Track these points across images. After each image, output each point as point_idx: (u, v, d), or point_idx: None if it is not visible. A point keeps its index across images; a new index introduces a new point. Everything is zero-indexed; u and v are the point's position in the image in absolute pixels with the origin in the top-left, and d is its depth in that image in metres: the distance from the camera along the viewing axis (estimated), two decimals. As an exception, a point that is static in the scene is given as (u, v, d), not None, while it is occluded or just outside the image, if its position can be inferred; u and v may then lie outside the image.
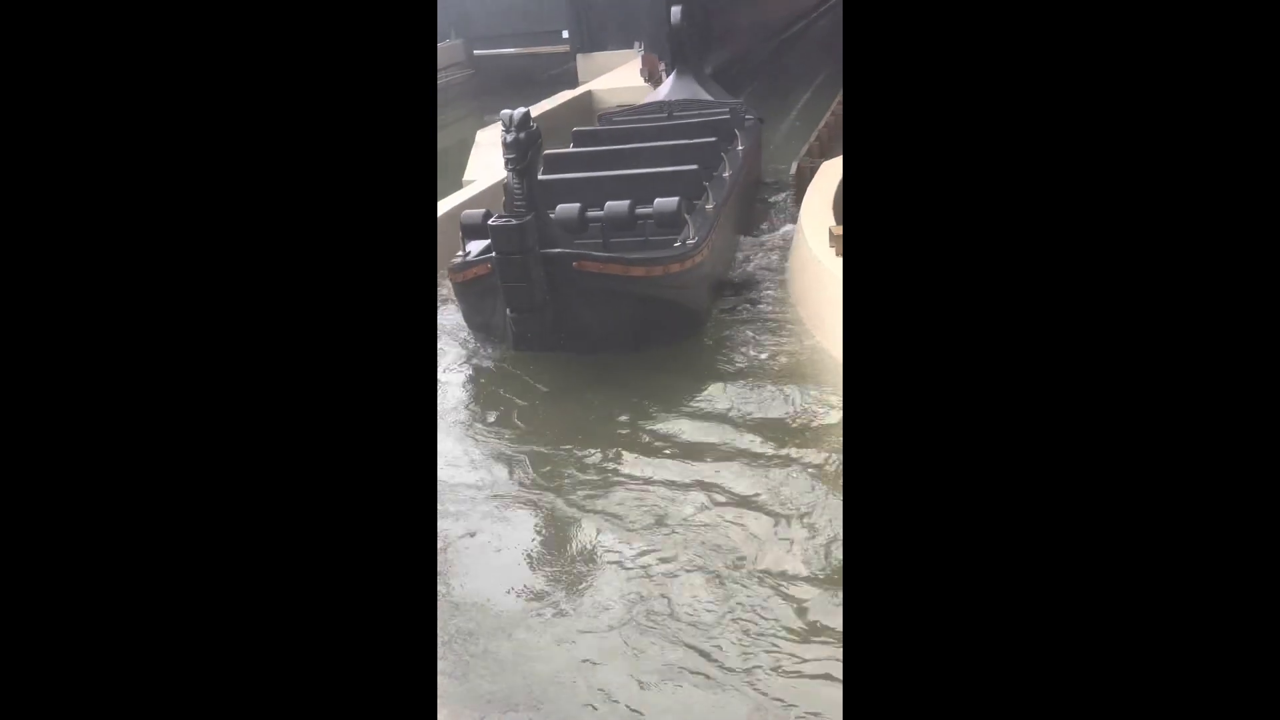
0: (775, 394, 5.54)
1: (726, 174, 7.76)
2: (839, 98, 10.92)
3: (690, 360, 6.11)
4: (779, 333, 6.36)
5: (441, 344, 6.67)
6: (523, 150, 5.44)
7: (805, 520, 4.32)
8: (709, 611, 3.82)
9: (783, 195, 9.42)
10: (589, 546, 4.36)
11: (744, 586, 3.94)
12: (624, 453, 5.13)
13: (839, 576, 3.87)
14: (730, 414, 5.39)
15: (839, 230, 6.06)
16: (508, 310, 5.62)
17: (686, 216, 6.55)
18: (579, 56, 19.14)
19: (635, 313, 5.97)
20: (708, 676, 3.50)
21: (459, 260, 6.18)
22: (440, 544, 4.42)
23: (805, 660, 3.52)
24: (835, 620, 3.65)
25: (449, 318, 6.88)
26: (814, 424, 5.16)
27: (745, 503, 4.52)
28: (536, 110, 13.03)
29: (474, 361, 6.45)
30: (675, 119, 9.45)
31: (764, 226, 8.62)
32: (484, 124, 12.38)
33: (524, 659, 3.69)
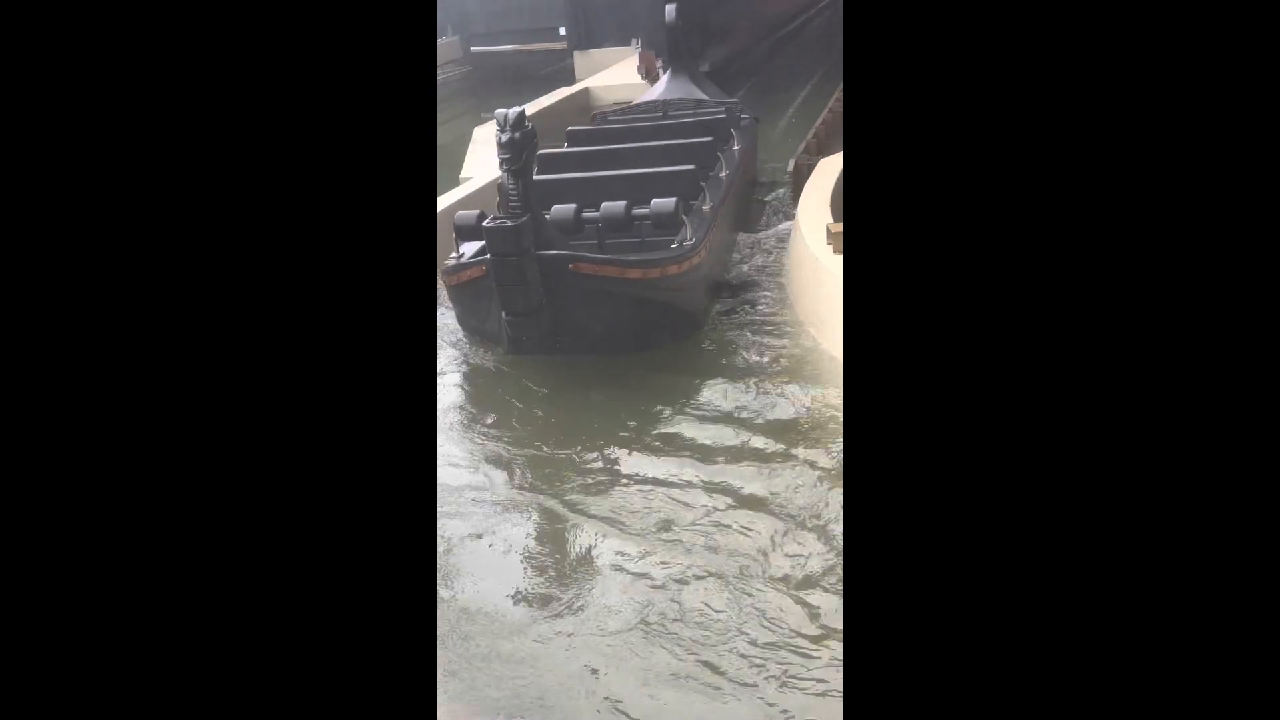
0: (777, 394, 5.50)
1: (723, 174, 7.72)
2: (836, 95, 10.92)
3: (690, 361, 6.07)
4: (778, 334, 6.32)
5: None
6: (518, 150, 5.37)
7: (814, 523, 4.27)
8: (717, 617, 3.77)
9: (780, 191, 9.40)
10: (594, 551, 4.31)
11: (752, 593, 3.89)
12: (626, 454, 5.08)
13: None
14: (733, 415, 5.35)
15: (836, 228, 6.05)
16: (503, 313, 5.56)
17: (684, 217, 6.51)
18: (576, 53, 19.13)
19: (632, 315, 5.92)
20: (715, 686, 3.44)
21: (452, 262, 6.11)
22: (444, 547, 4.38)
23: (816, 668, 3.46)
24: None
25: (442, 321, 6.83)
26: (818, 425, 5.11)
27: (752, 505, 4.47)
28: (533, 107, 13.03)
29: (472, 362, 6.40)
30: (670, 118, 9.41)
31: (761, 225, 8.60)
32: (481, 121, 12.36)
33: (530, 665, 3.64)
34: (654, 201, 6.44)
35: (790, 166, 8.83)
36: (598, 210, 6.46)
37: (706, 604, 3.85)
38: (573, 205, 6.50)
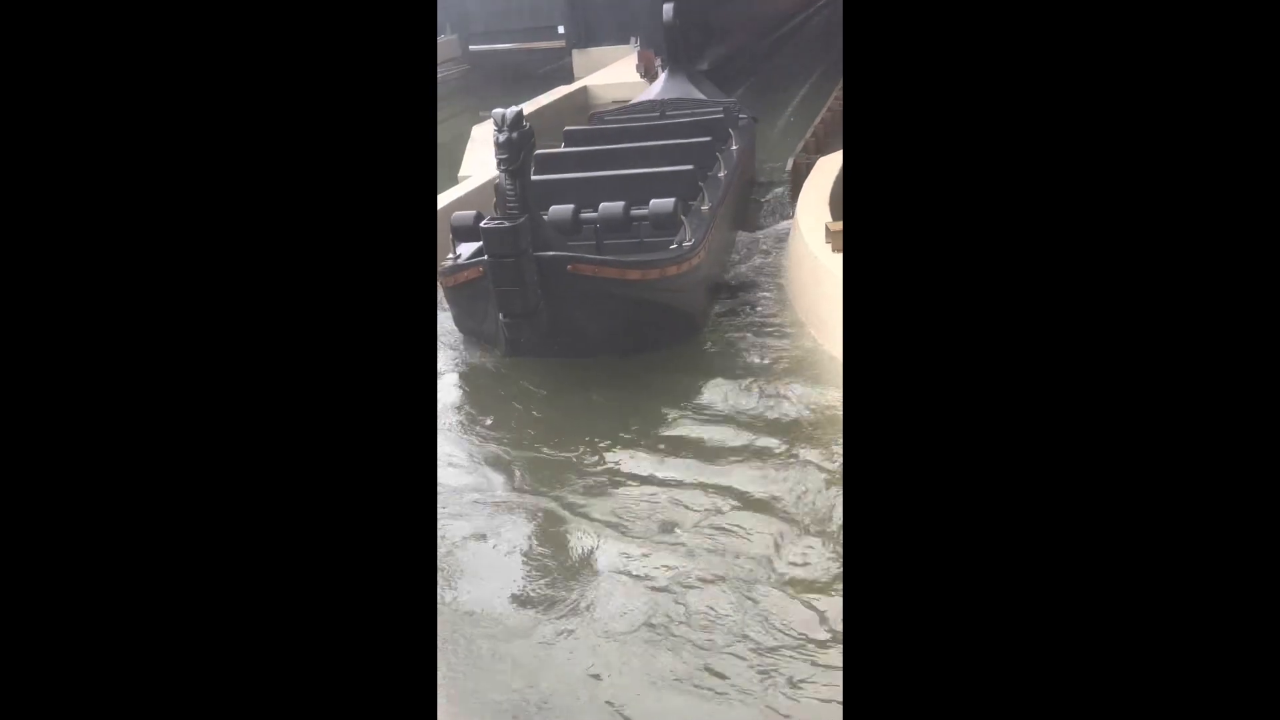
0: (779, 395, 5.48)
1: (721, 174, 7.69)
2: (835, 93, 10.91)
3: (691, 362, 6.05)
4: (778, 334, 6.29)
5: (434, 348, 6.63)
6: (515, 150, 5.32)
7: (819, 526, 4.23)
8: (722, 621, 3.74)
9: (779, 190, 9.38)
10: (597, 554, 4.28)
11: (757, 597, 3.85)
12: (628, 456, 5.05)
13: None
14: (734, 416, 5.33)
15: (835, 226, 6.04)
16: (500, 315, 5.51)
17: (683, 218, 6.47)
18: (575, 52, 19.13)
19: (631, 316, 5.88)
20: (720, 691, 3.41)
21: (449, 263, 6.07)
22: (446, 549, 4.36)
23: (822, 673, 3.42)
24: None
25: (439, 322, 6.76)
26: (820, 425, 5.08)
27: (756, 507, 4.44)
28: (532, 106, 13.02)
29: (470, 363, 6.37)
30: (668, 118, 9.37)
31: (760, 225, 8.58)
32: (479, 119, 12.34)
33: (533, 669, 3.62)
34: (653, 202, 6.40)
35: (789, 165, 8.82)
36: (596, 211, 6.42)
37: (711, 607, 3.81)
38: (571, 206, 6.46)
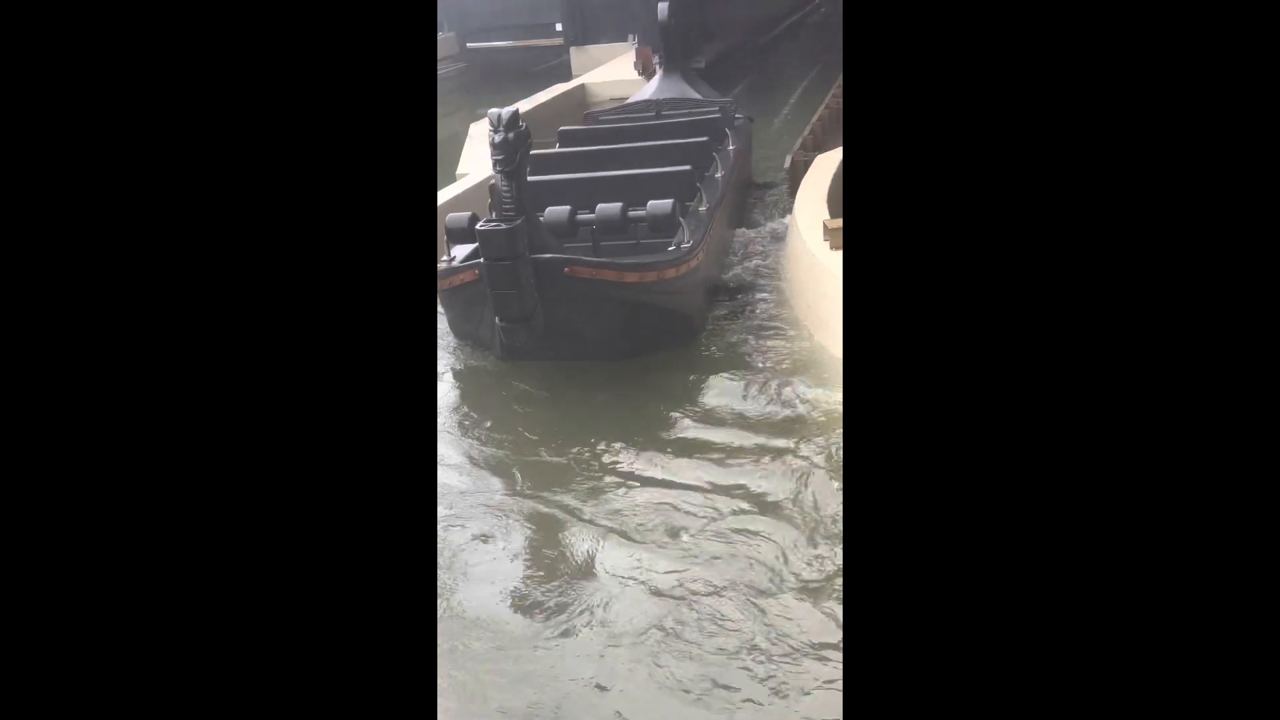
0: (782, 396, 5.44)
1: (719, 175, 7.63)
2: (833, 91, 10.91)
3: (692, 364, 6.00)
4: (779, 335, 6.25)
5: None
6: (511, 151, 5.23)
7: (828, 529, 4.18)
8: (730, 627, 3.69)
9: (777, 189, 9.38)
10: (602, 559, 4.23)
11: (765, 602, 3.81)
12: (632, 459, 5.00)
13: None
14: (737, 417, 5.29)
15: (833, 224, 6.04)
16: (496, 319, 5.43)
17: (681, 219, 6.42)
18: (572, 50, 19.13)
19: (630, 319, 5.82)
20: (728, 699, 3.37)
21: (444, 266, 5.97)
22: (448, 554, 4.32)
23: (832, 679, 3.37)
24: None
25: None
26: (825, 426, 5.04)
27: (763, 510, 4.40)
28: (530, 104, 13.01)
29: (469, 365, 6.31)
30: (664, 118, 9.31)
31: (757, 224, 8.56)
32: (476, 117, 12.33)
33: (538, 676, 3.58)
34: (651, 203, 6.34)
35: (787, 163, 8.82)
36: (592, 212, 6.35)
37: (719, 612, 3.77)
38: (567, 207, 6.39)
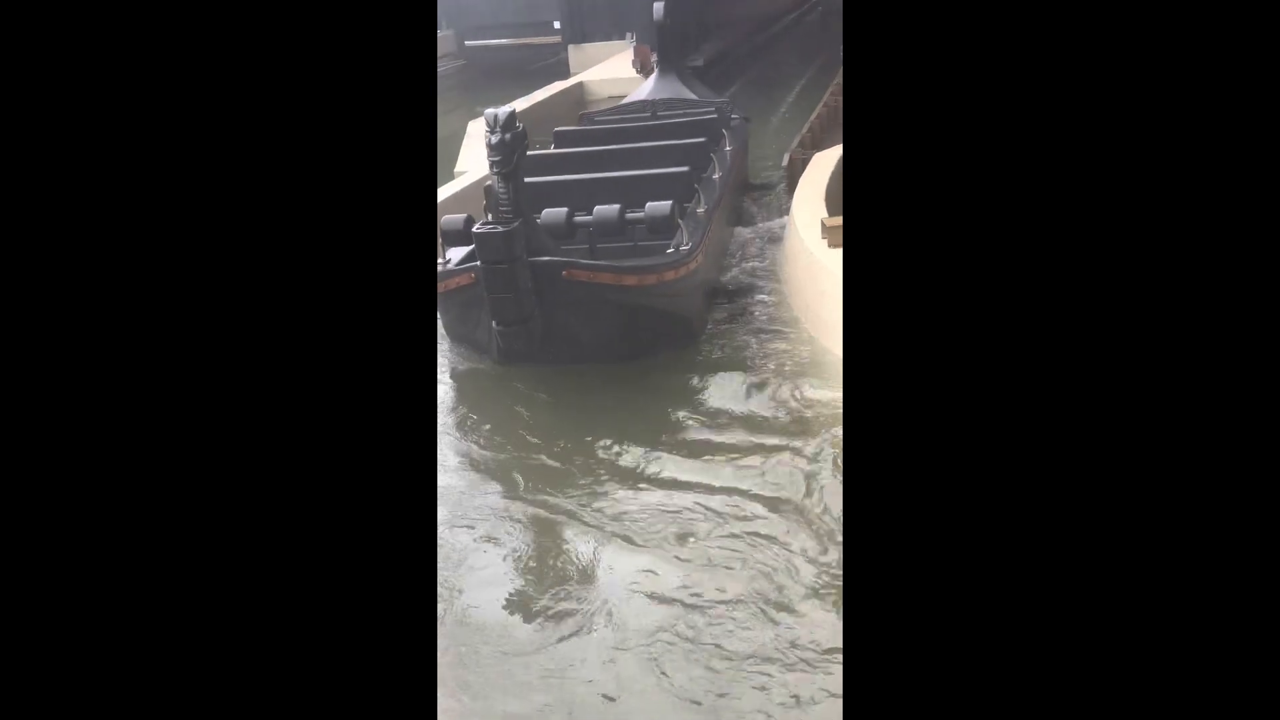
0: (786, 396, 5.40)
1: (716, 175, 7.57)
2: (831, 89, 10.90)
3: (693, 365, 5.95)
4: (779, 335, 6.21)
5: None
6: (508, 152, 5.15)
7: (839, 533, 4.13)
8: (740, 634, 3.64)
9: (774, 189, 9.36)
10: (608, 564, 4.18)
11: (775, 608, 3.76)
12: (636, 462, 4.95)
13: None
14: (742, 419, 5.25)
15: (831, 222, 6.03)
16: (494, 323, 5.36)
17: (679, 221, 6.37)
18: (570, 48, 19.11)
19: (629, 323, 5.76)
20: (740, 712, 3.32)
21: (439, 269, 5.90)
22: (450, 558, 4.29)
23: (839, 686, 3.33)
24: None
25: (430, 326, 6.63)
26: (829, 426, 5.00)
27: (772, 513, 4.36)
28: (527, 102, 12.98)
29: (467, 367, 6.24)
30: (660, 119, 9.25)
31: (755, 223, 8.54)
32: (475, 115, 12.30)
33: (543, 685, 3.54)
34: (649, 205, 6.28)
35: (785, 161, 8.82)
36: (590, 214, 6.29)
37: (728, 619, 3.73)
38: (564, 209, 6.33)
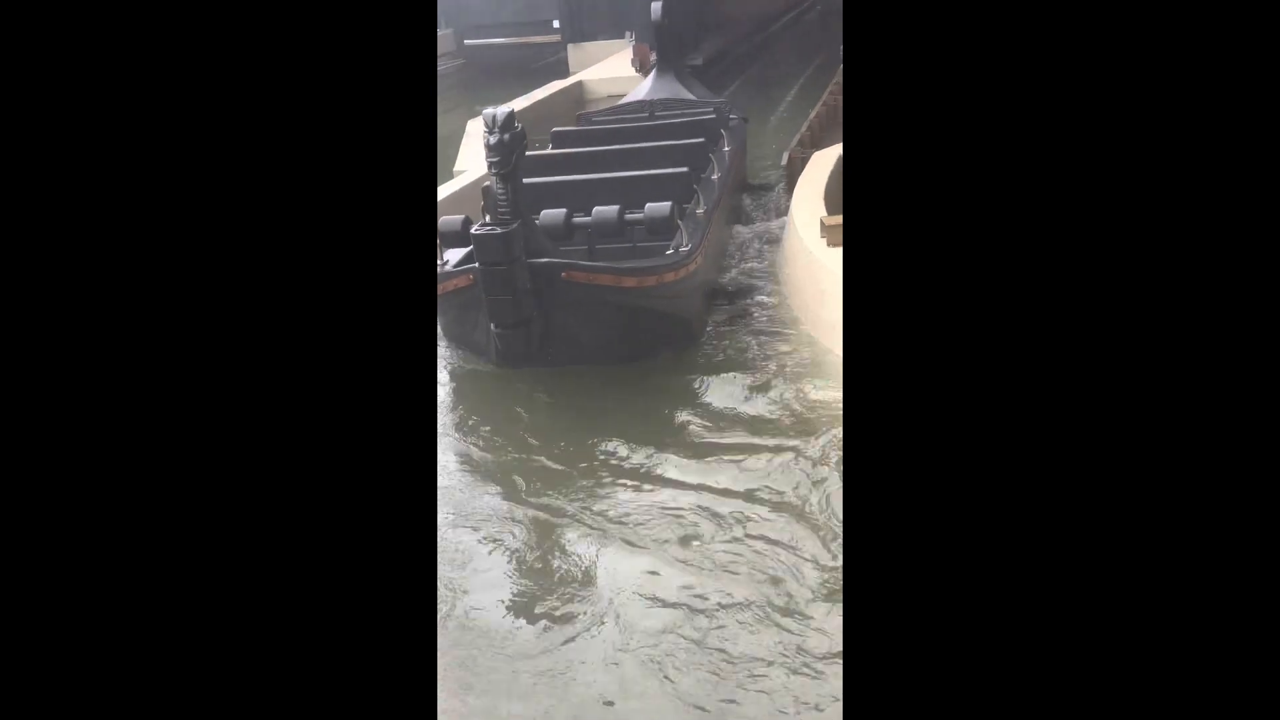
0: (789, 397, 5.38)
1: (715, 176, 7.55)
2: (830, 88, 10.90)
3: (694, 366, 5.94)
4: (780, 336, 6.19)
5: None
6: (506, 153, 5.11)
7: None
8: (744, 638, 3.63)
9: (773, 189, 9.35)
10: (610, 566, 4.16)
11: (780, 612, 3.74)
12: (638, 463, 4.92)
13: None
14: (744, 420, 5.23)
15: (830, 221, 6.03)
16: (492, 325, 5.33)
17: (679, 221, 6.34)
18: (570, 47, 19.11)
19: (628, 324, 5.74)
20: (738, 713, 3.30)
21: (437, 269, 5.86)
22: (451, 561, 4.27)
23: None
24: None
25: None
26: (832, 427, 4.99)
27: (777, 516, 4.34)
28: (526, 101, 12.98)
29: (467, 368, 6.22)
30: (658, 119, 9.22)
31: (754, 223, 8.53)
32: (474, 114, 12.29)
33: (544, 688, 3.52)
34: (649, 206, 6.25)
35: (784, 160, 8.81)
36: (588, 215, 6.26)
37: (735, 621, 3.71)
38: (563, 210, 6.30)
